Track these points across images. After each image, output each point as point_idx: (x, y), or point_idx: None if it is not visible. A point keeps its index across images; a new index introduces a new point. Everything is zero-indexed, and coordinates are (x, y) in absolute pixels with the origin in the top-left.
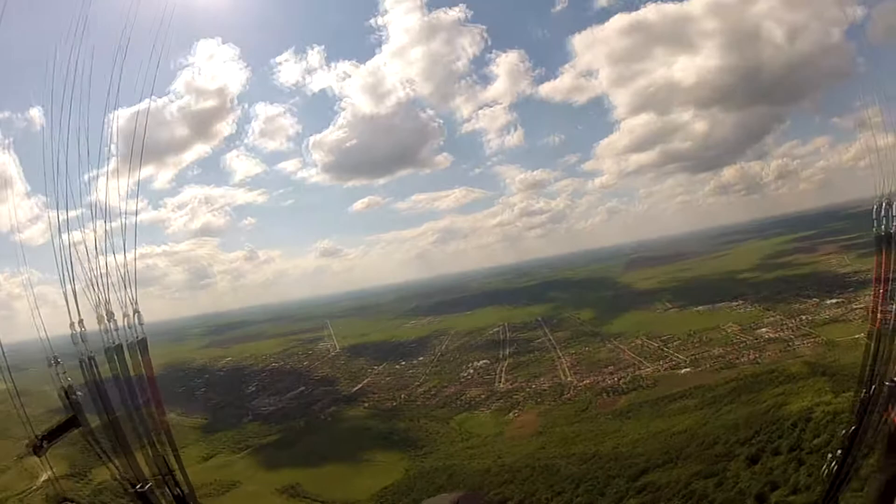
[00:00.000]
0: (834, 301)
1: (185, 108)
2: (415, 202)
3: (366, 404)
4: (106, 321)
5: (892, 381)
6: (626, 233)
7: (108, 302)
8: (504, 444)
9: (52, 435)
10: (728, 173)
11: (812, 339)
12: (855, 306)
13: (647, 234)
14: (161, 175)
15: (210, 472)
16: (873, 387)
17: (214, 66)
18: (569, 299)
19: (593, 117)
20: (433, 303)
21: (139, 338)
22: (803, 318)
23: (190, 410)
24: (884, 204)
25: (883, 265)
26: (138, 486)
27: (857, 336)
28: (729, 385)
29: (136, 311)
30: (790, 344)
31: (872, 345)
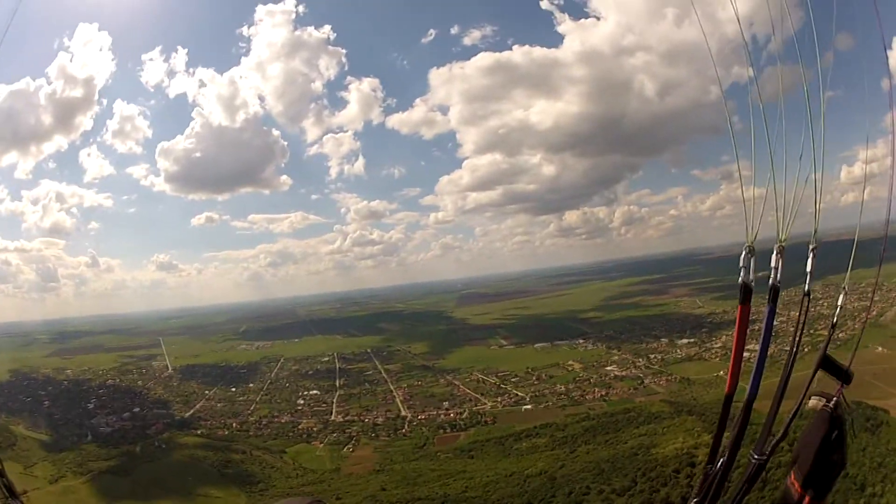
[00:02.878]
0: (687, 341)
1: (53, 94)
2: (252, 222)
3: (199, 431)
4: None
5: (758, 456)
6: (460, 269)
7: None
8: (342, 482)
9: None
10: (571, 217)
11: (665, 377)
12: (712, 345)
13: (482, 271)
14: (22, 164)
15: (59, 499)
16: (721, 461)
17: (87, 54)
18: (400, 331)
19: (439, 153)
20: (264, 327)
21: None
22: (653, 356)
23: (35, 424)
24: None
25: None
26: None
27: (717, 374)
28: (581, 424)
29: None
30: (641, 382)
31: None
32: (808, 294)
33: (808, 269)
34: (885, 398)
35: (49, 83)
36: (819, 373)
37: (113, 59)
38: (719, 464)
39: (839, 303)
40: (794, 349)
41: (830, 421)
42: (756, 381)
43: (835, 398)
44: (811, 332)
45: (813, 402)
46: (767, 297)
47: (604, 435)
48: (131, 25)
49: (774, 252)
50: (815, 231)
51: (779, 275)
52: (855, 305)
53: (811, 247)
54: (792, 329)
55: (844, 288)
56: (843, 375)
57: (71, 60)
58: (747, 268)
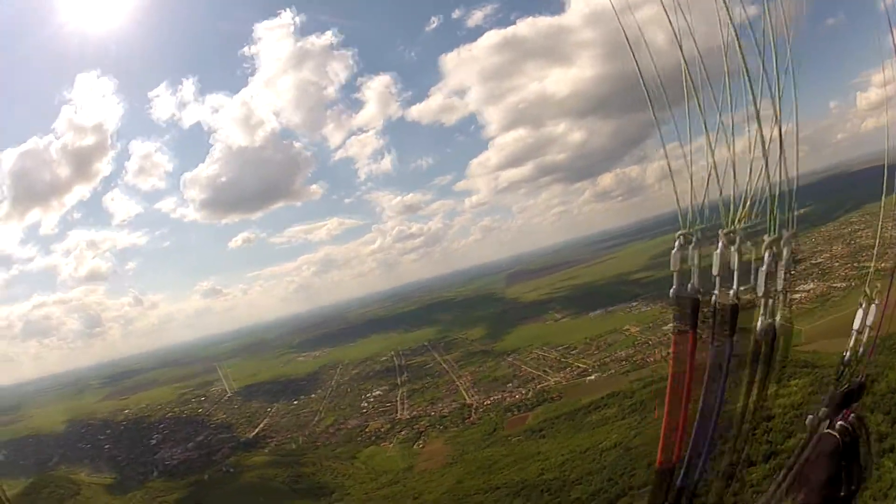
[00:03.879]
0: (742, 288)
1: (66, 146)
2: (289, 235)
3: (266, 449)
4: None
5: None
6: (503, 248)
7: None
8: (418, 480)
9: None
10: (605, 180)
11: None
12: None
13: (525, 248)
14: (47, 219)
15: None
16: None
17: (93, 101)
18: (454, 320)
19: (463, 137)
20: (318, 335)
21: None
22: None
23: (97, 469)
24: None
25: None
26: None
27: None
28: (647, 389)
29: None
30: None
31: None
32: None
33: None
34: None
35: (58, 137)
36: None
37: (119, 103)
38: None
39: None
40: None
41: (841, 450)
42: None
43: (840, 423)
44: (855, 264)
45: (810, 420)
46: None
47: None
48: (131, 66)
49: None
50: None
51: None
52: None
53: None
54: None
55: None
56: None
57: (76, 112)
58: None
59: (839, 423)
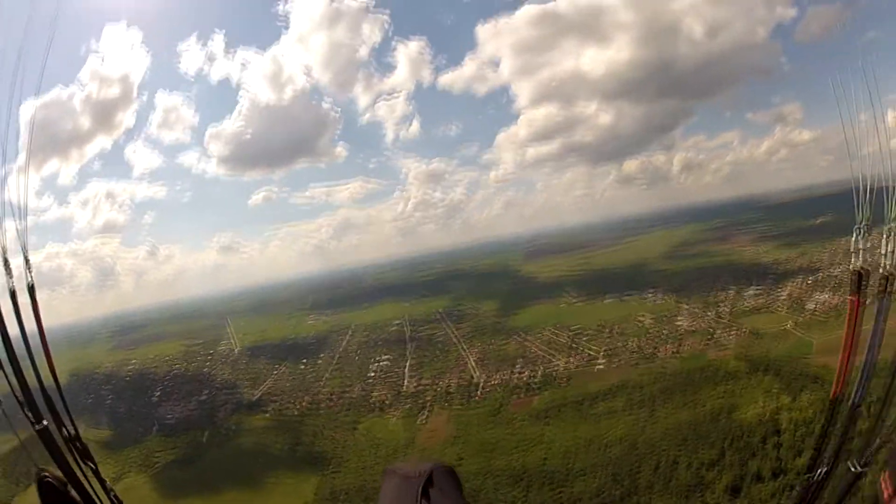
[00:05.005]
0: (754, 291)
1: (89, 97)
2: (311, 195)
3: (268, 412)
4: None
5: (860, 467)
6: (523, 224)
7: None
8: (418, 455)
9: None
10: (630, 165)
11: (735, 330)
12: (778, 296)
13: (546, 225)
14: (66, 170)
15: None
16: (820, 471)
17: (120, 53)
18: (469, 291)
19: (494, 108)
20: (331, 298)
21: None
22: (722, 308)
23: (96, 422)
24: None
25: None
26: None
27: (784, 326)
28: (657, 384)
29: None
30: (712, 335)
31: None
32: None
33: None
34: None
35: (83, 88)
36: None
37: (148, 53)
38: (818, 474)
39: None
40: None
41: None
42: (862, 386)
43: None
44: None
45: None
46: (881, 288)
47: (682, 395)
48: (160, 18)
49: (885, 234)
50: None
51: (893, 259)
52: None
53: None
54: None
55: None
56: None
57: (102, 62)
58: (861, 250)
59: None
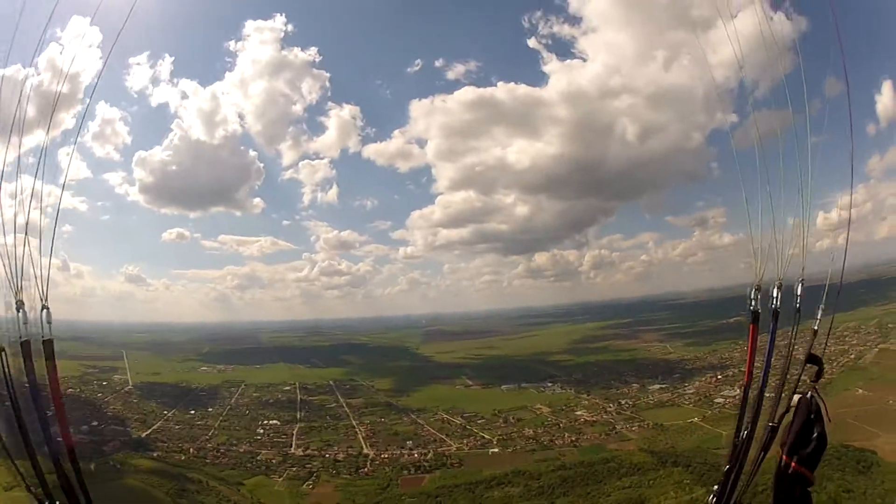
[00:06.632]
0: (659, 386)
1: (40, 86)
2: (222, 242)
3: (155, 454)
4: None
5: (771, 423)
6: (426, 305)
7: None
8: None
9: None
10: (541, 258)
11: (638, 423)
12: (685, 391)
13: (448, 309)
14: (2, 155)
15: None
16: (744, 432)
17: (77, 49)
18: (364, 365)
19: (413, 185)
20: (227, 350)
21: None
22: (624, 402)
23: None
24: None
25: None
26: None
27: (691, 420)
28: (557, 473)
29: (44, 307)
30: (613, 428)
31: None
32: (798, 309)
33: (798, 291)
34: (870, 439)
35: (38, 73)
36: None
37: (101, 58)
38: (743, 434)
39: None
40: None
41: (808, 406)
42: (765, 375)
43: (809, 393)
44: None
45: (796, 398)
46: (771, 316)
47: (583, 486)
48: (122, 24)
49: (775, 286)
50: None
51: (777, 301)
52: (834, 349)
53: (799, 279)
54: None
55: (801, 281)
56: (816, 360)
57: (61, 53)
58: (756, 299)
59: (808, 394)
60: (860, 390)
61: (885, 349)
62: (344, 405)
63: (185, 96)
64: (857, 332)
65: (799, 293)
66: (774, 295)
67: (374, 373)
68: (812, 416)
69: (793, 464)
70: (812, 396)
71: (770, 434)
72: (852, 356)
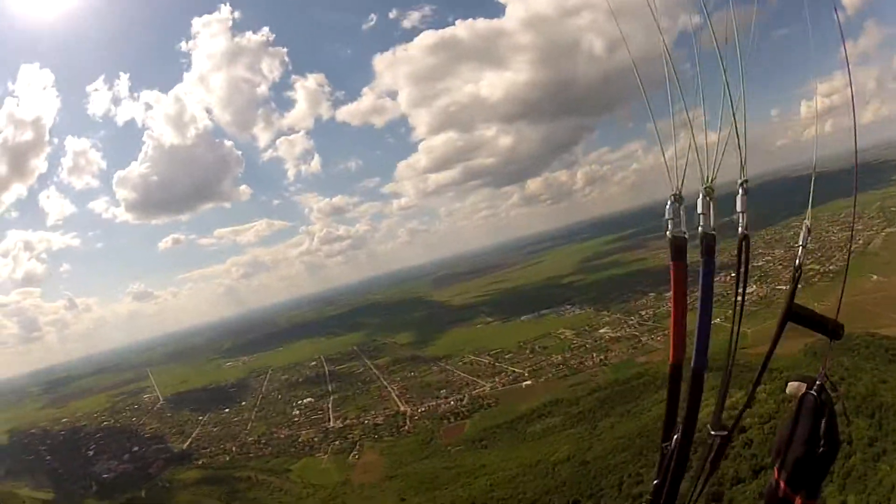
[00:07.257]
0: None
1: (5, 142)
2: (218, 237)
3: (199, 462)
4: None
5: (716, 431)
6: (430, 252)
7: None
8: (356, 496)
9: None
10: (533, 184)
11: (661, 332)
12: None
13: (453, 251)
14: None
15: None
16: (675, 437)
17: (33, 95)
18: (382, 324)
19: (393, 138)
20: (246, 340)
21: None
22: (644, 313)
23: (39, 483)
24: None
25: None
26: None
27: (716, 321)
28: (593, 396)
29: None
30: (638, 340)
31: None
32: (745, 237)
33: (739, 207)
34: (893, 325)
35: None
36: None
37: (58, 96)
38: (674, 440)
39: (801, 241)
40: (740, 307)
41: (816, 409)
42: (701, 347)
43: (818, 382)
44: (777, 285)
45: (793, 387)
46: (700, 248)
47: (623, 405)
48: (71, 58)
49: (700, 196)
50: (743, 163)
51: (711, 221)
52: (840, 236)
53: (739, 181)
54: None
55: (806, 224)
56: (825, 329)
57: (18, 105)
58: (676, 220)
59: (816, 384)
60: (874, 276)
61: (892, 233)
62: (371, 367)
63: (149, 107)
64: (860, 217)
65: (740, 207)
66: (702, 210)
67: (393, 329)
68: (821, 426)
69: (782, 484)
70: (821, 392)
71: (721, 441)
72: (859, 241)
